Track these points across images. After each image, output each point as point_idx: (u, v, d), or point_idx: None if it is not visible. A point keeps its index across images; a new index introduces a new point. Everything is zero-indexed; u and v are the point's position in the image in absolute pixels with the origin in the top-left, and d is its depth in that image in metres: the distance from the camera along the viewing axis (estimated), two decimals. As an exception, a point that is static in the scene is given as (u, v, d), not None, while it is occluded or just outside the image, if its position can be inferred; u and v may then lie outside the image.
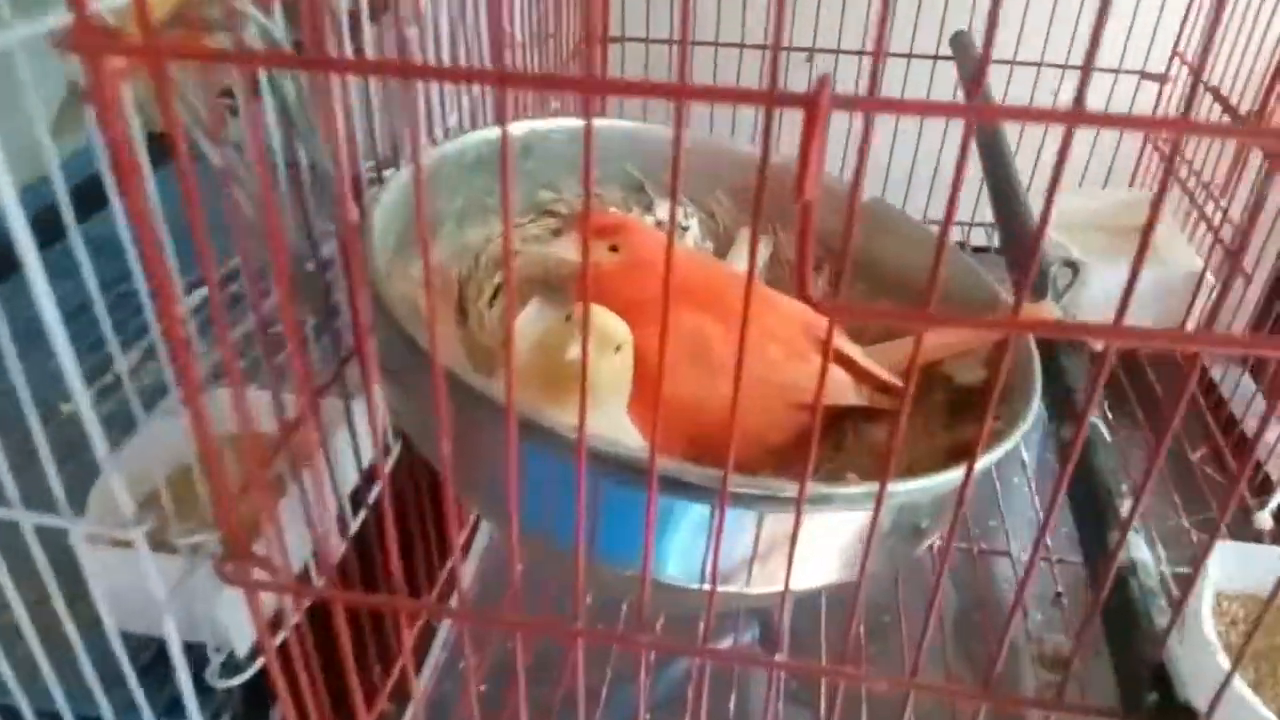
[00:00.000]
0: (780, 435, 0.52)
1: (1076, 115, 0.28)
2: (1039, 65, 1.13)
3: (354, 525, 0.58)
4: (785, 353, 0.52)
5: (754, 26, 1.14)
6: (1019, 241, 0.66)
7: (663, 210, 0.65)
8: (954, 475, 0.41)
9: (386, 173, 0.57)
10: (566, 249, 0.52)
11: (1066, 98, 1.16)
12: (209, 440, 0.38)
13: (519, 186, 0.64)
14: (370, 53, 0.57)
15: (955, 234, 1.21)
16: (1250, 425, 0.86)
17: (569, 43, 0.99)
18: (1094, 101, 1.14)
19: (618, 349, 0.48)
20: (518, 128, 0.62)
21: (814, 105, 0.27)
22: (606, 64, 1.11)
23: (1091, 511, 0.46)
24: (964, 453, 0.50)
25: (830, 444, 0.53)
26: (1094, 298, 0.78)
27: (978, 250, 1.17)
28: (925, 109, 0.29)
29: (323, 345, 0.53)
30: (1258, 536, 0.75)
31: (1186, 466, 0.85)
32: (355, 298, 0.43)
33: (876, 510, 0.36)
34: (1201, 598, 0.61)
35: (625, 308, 0.49)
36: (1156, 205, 0.29)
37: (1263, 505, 0.75)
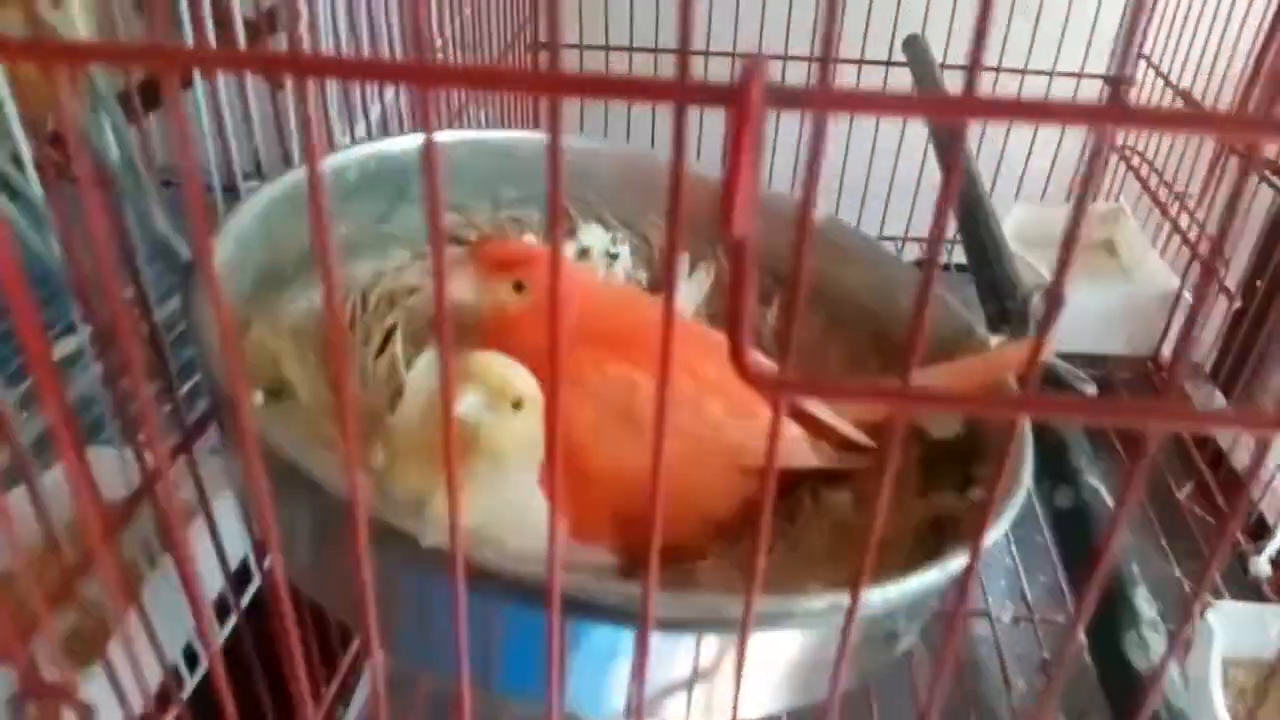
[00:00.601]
0: (726, 506, 0.44)
1: (1117, 112, 0.20)
2: (997, 70, 1.07)
3: (219, 639, 0.48)
4: (729, 408, 0.43)
5: (700, 31, 1.07)
6: (990, 265, 0.59)
7: (587, 236, 0.56)
8: (937, 576, 0.32)
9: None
10: (460, 288, 0.43)
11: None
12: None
13: (419, 210, 0.55)
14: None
15: (914, 252, 1.15)
16: (1240, 459, 0.79)
17: (494, 50, 0.90)
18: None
19: (517, 405, 0.39)
20: (413, 141, 0.53)
21: (742, 101, 0.19)
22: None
23: (1101, 606, 0.38)
24: (942, 527, 0.42)
25: (782, 515, 0.45)
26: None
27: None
28: (896, 106, 0.20)
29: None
30: (1255, 584, 0.69)
31: (1172, 504, 0.79)
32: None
33: (847, 629, 0.27)
34: (1209, 668, 0.53)
35: (535, 357, 0.40)
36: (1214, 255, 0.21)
37: (1259, 550, 0.68)
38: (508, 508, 0.40)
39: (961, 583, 0.26)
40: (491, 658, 0.31)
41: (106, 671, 0.42)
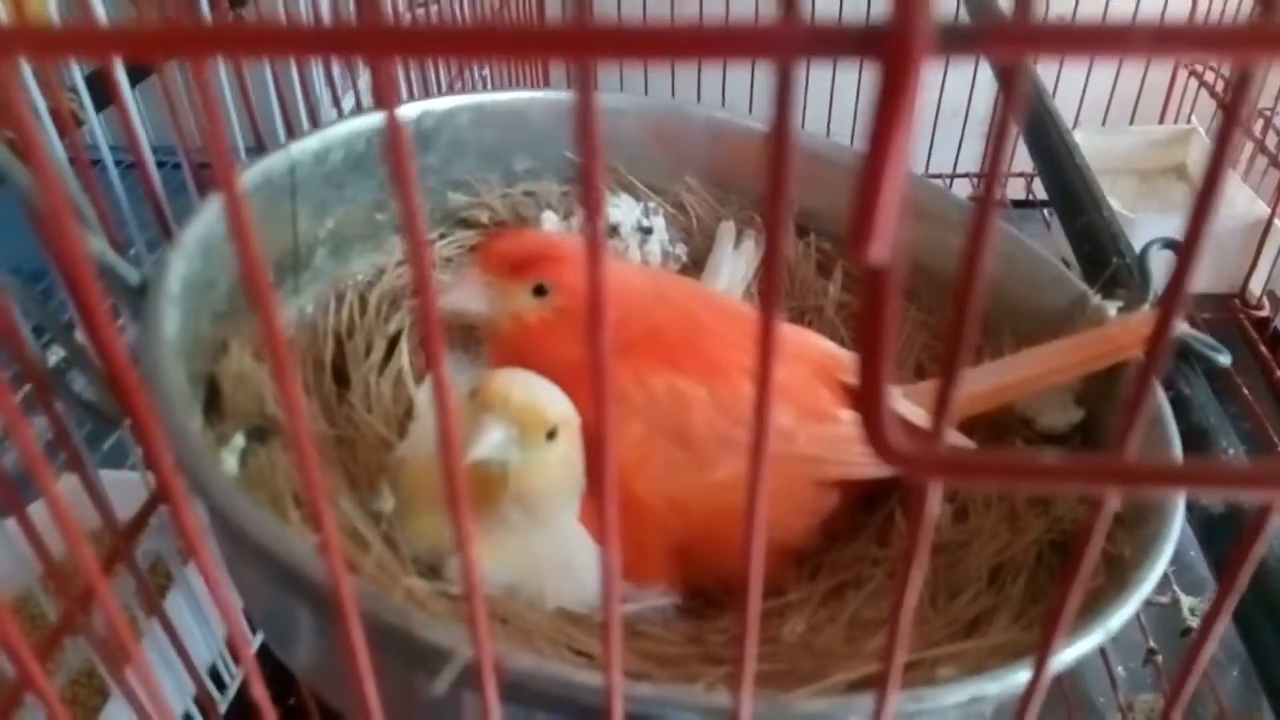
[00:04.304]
0: (802, 529, 0.37)
1: None
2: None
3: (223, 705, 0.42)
4: (800, 413, 0.36)
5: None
6: (1084, 211, 0.51)
7: (618, 211, 0.49)
8: (1098, 638, 0.25)
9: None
10: (469, 298, 0.35)
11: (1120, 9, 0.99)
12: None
13: (419, 190, 0.47)
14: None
15: (963, 189, 1.06)
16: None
17: None
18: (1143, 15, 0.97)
19: (551, 434, 0.32)
20: (407, 110, 0.45)
21: (898, 47, 0.12)
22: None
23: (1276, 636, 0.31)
24: (1066, 547, 0.35)
25: (871, 537, 0.38)
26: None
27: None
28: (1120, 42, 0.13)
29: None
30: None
31: None
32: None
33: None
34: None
35: (564, 374, 0.33)
36: None
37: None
38: (548, 554, 0.34)
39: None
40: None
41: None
